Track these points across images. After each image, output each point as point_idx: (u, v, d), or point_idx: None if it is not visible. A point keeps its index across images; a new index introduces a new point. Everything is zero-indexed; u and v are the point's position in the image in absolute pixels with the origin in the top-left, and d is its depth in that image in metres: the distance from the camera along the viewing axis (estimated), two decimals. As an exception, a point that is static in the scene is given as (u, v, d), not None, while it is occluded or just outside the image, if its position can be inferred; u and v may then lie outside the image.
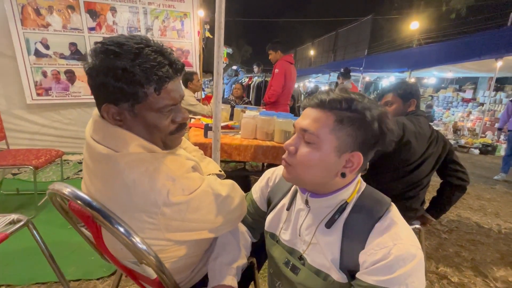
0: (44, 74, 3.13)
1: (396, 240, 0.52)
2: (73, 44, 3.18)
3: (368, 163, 0.62)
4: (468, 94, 9.68)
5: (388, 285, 0.49)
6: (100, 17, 3.21)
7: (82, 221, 0.66)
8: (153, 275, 0.65)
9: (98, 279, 1.41)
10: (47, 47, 3.09)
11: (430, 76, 9.64)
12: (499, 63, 5.33)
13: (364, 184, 0.65)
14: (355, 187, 0.62)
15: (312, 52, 21.00)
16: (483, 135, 6.88)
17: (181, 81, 0.64)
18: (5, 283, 1.34)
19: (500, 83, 9.27)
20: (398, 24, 14.62)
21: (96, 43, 0.56)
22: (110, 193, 0.55)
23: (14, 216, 1.15)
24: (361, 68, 9.38)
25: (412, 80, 9.15)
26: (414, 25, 12.56)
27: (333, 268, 0.58)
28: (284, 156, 0.62)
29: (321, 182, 0.58)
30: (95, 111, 0.62)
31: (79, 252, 1.60)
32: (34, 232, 1.19)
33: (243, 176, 2.81)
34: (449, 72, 7.78)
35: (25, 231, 1.15)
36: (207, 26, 4.36)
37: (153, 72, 0.54)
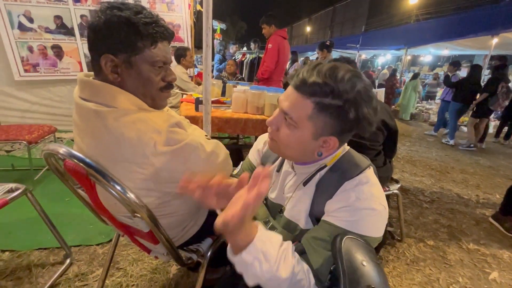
0: (30, 49, 3.03)
1: (360, 195, 0.57)
2: (58, 17, 3.05)
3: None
4: (464, 73, 9.64)
5: (344, 226, 0.56)
6: (85, -12, 3.06)
7: (77, 180, 0.71)
8: (145, 227, 0.72)
9: (97, 244, 1.50)
10: (31, 20, 2.97)
11: (426, 54, 9.54)
12: (495, 40, 5.28)
13: (347, 148, 0.69)
14: (337, 153, 0.67)
15: (308, 29, 20.38)
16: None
17: (170, 48, 0.69)
18: (8, 249, 1.42)
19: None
20: (397, -2, 14.14)
21: (101, 3, 0.64)
22: (101, 147, 0.60)
23: (12, 185, 1.19)
24: (357, 45, 9.21)
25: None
26: (413, -1, 12.19)
27: (302, 217, 0.66)
28: (269, 130, 0.65)
29: (300, 159, 0.66)
30: (79, 74, 0.65)
31: (78, 221, 1.67)
32: (33, 201, 1.24)
33: (236, 149, 2.87)
34: (445, 49, 7.69)
35: (25, 202, 1.20)
36: (198, -1, 4.18)
37: (151, 26, 0.63)
